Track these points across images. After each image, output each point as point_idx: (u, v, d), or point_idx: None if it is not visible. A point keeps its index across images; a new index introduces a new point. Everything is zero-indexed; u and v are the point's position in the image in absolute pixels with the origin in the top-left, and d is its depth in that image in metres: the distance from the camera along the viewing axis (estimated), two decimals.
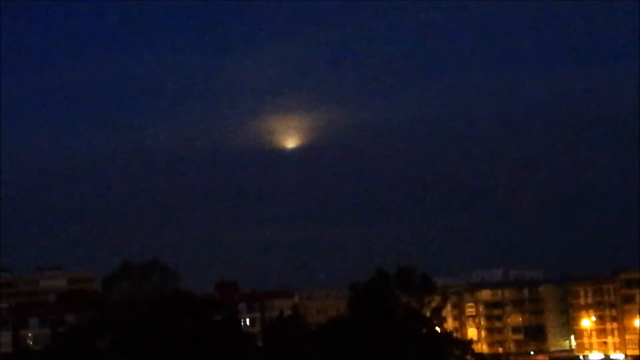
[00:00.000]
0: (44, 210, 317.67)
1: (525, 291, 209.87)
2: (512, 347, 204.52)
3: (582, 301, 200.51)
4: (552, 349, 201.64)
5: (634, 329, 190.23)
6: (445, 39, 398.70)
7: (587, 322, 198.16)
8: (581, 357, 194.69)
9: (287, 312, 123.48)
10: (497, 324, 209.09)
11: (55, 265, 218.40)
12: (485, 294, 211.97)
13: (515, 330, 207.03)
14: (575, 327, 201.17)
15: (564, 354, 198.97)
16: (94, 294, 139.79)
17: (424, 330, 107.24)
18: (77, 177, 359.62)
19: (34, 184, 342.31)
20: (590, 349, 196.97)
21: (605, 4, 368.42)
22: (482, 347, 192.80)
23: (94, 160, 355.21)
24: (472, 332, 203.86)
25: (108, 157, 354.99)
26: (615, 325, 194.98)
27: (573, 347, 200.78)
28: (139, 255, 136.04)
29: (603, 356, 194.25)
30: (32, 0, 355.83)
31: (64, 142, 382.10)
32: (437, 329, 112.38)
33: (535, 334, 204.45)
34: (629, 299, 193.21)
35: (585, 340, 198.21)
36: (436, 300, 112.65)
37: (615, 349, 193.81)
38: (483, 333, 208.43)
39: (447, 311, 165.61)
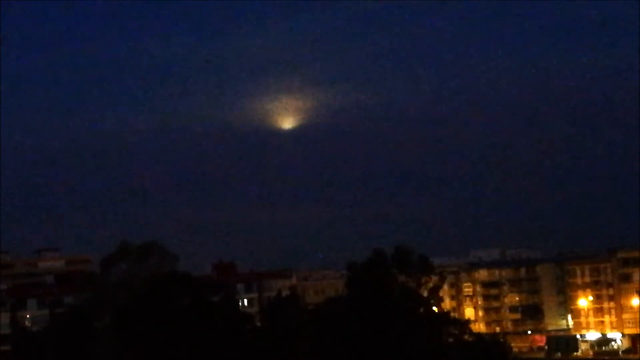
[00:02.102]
0: (41, 192, 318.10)
1: (523, 270, 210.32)
2: (510, 327, 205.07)
3: (579, 280, 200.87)
4: (549, 328, 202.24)
5: (631, 308, 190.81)
6: (444, 21, 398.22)
7: (584, 301, 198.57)
8: (578, 336, 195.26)
9: (285, 293, 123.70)
10: (495, 304, 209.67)
11: (53, 247, 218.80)
12: (483, 274, 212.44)
13: (513, 309, 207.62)
14: (572, 307, 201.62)
15: (561, 333, 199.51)
16: (91, 275, 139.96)
17: (421, 310, 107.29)
18: (74, 159, 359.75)
19: (31, 167, 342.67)
20: (587, 328, 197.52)
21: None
22: (480, 327, 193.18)
23: (92, 142, 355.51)
24: (469, 312, 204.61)
25: (105, 139, 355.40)
26: (612, 304, 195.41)
27: (570, 326, 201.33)
28: (136, 237, 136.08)
29: (600, 335, 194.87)
30: None
31: (60, 124, 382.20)
32: (435, 308, 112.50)
33: (532, 313, 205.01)
34: (626, 278, 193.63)
35: (583, 319, 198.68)
36: (433, 280, 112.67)
37: (612, 328, 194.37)
38: (480, 312, 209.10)
39: (445, 291, 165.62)
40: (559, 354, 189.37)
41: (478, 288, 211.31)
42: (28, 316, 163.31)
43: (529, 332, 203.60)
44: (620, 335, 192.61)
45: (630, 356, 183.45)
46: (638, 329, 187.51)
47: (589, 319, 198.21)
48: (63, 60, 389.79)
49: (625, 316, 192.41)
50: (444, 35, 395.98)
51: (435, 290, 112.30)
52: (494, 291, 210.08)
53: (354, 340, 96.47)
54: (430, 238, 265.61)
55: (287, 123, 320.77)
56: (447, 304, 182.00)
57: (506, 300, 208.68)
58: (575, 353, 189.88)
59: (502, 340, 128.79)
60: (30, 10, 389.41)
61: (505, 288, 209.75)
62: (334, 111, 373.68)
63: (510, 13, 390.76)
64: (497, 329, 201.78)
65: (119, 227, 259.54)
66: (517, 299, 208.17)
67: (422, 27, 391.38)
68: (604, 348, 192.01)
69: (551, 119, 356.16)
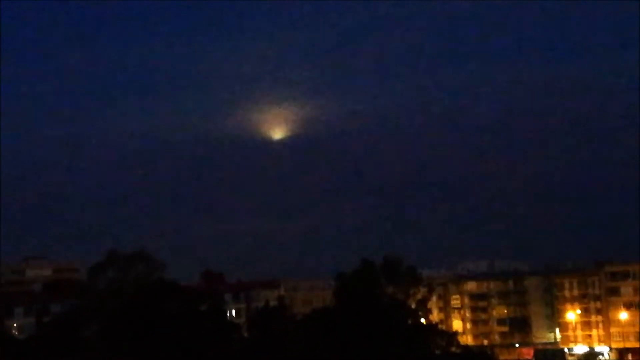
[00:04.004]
0: (28, 200, 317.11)
1: (511, 283, 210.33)
2: (497, 339, 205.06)
3: (567, 293, 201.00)
4: (537, 341, 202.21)
5: (619, 321, 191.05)
6: (436, 32, 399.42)
7: (572, 314, 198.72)
8: (566, 350, 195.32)
9: (273, 303, 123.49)
10: (482, 316, 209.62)
11: (40, 255, 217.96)
12: (471, 286, 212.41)
13: (501, 322, 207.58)
14: (560, 320, 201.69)
15: (549, 346, 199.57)
16: (79, 283, 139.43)
17: (410, 322, 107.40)
18: (62, 167, 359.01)
19: (18, 174, 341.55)
20: (575, 341, 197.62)
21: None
22: (467, 339, 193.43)
23: (79, 150, 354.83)
24: (457, 324, 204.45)
25: (92, 147, 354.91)
26: (600, 318, 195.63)
27: (558, 339, 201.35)
28: (124, 245, 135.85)
29: (588, 349, 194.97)
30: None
31: (49, 130, 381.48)
32: (423, 320, 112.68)
33: (520, 326, 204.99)
34: (614, 292, 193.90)
35: (570, 332, 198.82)
36: (422, 292, 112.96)
37: (600, 342, 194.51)
38: (468, 325, 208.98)
39: (433, 303, 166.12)
40: None
41: (466, 300, 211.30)
42: (15, 324, 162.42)
43: (517, 344, 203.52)
44: (608, 349, 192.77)
45: None
46: (625, 343, 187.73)
47: (576, 332, 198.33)
48: (56, 66, 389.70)
49: (612, 330, 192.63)
50: (433, 47, 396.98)
51: (423, 301, 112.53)
52: (482, 303, 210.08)
53: (342, 351, 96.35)
54: (419, 248, 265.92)
55: (278, 133, 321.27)
56: (435, 315, 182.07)
57: (494, 312, 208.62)
58: None
59: (489, 352, 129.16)
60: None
61: (494, 300, 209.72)
62: (324, 122, 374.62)
63: (494, 26, 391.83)
64: (485, 342, 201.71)
65: (107, 235, 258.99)
66: (505, 311, 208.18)
67: (410, 40, 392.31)
68: None
69: (540, 131, 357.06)
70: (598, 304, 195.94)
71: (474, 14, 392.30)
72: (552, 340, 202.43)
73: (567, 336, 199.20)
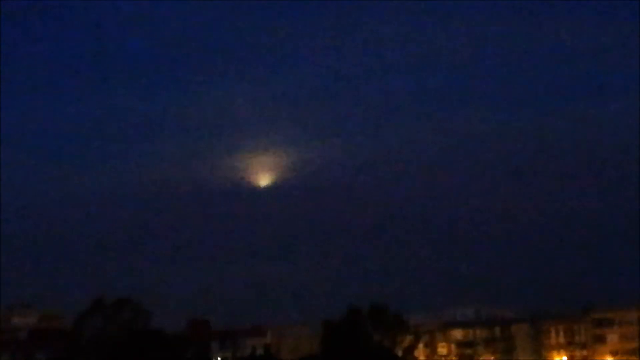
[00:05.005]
0: (13, 247, 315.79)
1: (497, 330, 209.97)
2: None
3: (553, 341, 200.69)
4: None
5: None
6: (422, 77, 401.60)
7: None
8: None
9: (260, 351, 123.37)
10: None
11: (26, 303, 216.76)
12: (458, 333, 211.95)
13: None
14: None
15: None
16: (65, 331, 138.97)
17: None
18: (47, 213, 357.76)
19: (3, 220, 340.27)
20: None
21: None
22: None
23: (65, 196, 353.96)
24: None
25: (78, 193, 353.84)
26: None
27: None
28: (111, 293, 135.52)
29: None
30: None
31: (36, 179, 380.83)
32: None
33: None
34: (600, 339, 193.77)
35: None
36: (408, 340, 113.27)
37: None
38: None
39: (420, 350, 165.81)
40: None
41: (453, 347, 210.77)
42: None
43: None
44: None
45: None
46: None
47: None
48: (42, 115, 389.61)
49: None
50: (424, 92, 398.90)
51: (410, 349, 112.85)
52: (468, 351, 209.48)
53: None
54: (405, 293, 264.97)
55: (263, 180, 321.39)
56: None
57: (481, 359, 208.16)
58: None
59: None
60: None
61: (480, 348, 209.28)
62: (310, 168, 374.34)
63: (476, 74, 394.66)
64: None
65: (94, 283, 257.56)
66: (492, 358, 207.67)
67: (400, 84, 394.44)
68: None
69: (529, 176, 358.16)
70: (584, 351, 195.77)
71: (475, 60, 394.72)
72: None
73: None
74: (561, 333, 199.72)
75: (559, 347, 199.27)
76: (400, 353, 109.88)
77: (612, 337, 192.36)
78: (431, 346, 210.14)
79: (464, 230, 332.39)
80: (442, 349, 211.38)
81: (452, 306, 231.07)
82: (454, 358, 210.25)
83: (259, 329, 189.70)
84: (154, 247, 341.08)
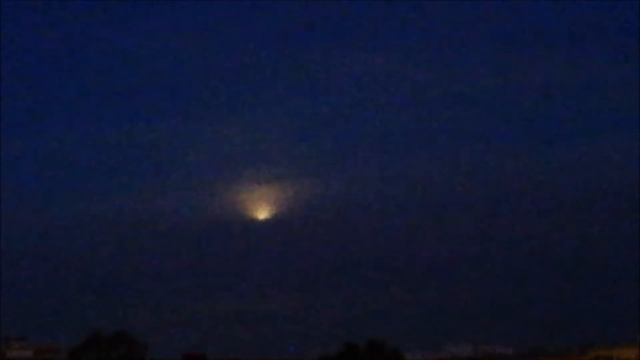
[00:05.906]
0: (8, 279, 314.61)
1: None
2: None
3: None
4: None
5: None
6: (420, 111, 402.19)
7: None
8: None
9: None
10: None
11: (21, 336, 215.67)
12: None
13: None
14: None
15: None
16: None
17: None
18: (43, 246, 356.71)
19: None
20: None
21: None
22: None
23: (59, 228, 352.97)
24: None
25: (73, 225, 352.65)
26: None
27: None
28: (107, 326, 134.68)
29: None
30: None
31: (28, 212, 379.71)
32: None
33: None
34: None
35: None
36: None
37: None
38: None
39: None
40: None
41: None
42: None
43: None
44: None
45: None
46: None
47: None
48: (42, 148, 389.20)
49: None
50: (424, 127, 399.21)
51: None
52: None
53: None
54: (403, 330, 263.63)
55: (262, 213, 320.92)
56: None
57: None
58: None
59: None
60: None
61: None
62: (310, 202, 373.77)
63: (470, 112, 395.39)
64: None
65: (89, 316, 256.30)
66: None
67: (398, 120, 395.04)
68: None
69: (524, 212, 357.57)
70: None
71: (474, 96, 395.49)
72: None
73: None
74: None
75: None
76: None
77: None
78: None
79: (463, 267, 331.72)
80: None
81: (450, 343, 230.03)
82: None
83: None
84: (149, 280, 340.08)
